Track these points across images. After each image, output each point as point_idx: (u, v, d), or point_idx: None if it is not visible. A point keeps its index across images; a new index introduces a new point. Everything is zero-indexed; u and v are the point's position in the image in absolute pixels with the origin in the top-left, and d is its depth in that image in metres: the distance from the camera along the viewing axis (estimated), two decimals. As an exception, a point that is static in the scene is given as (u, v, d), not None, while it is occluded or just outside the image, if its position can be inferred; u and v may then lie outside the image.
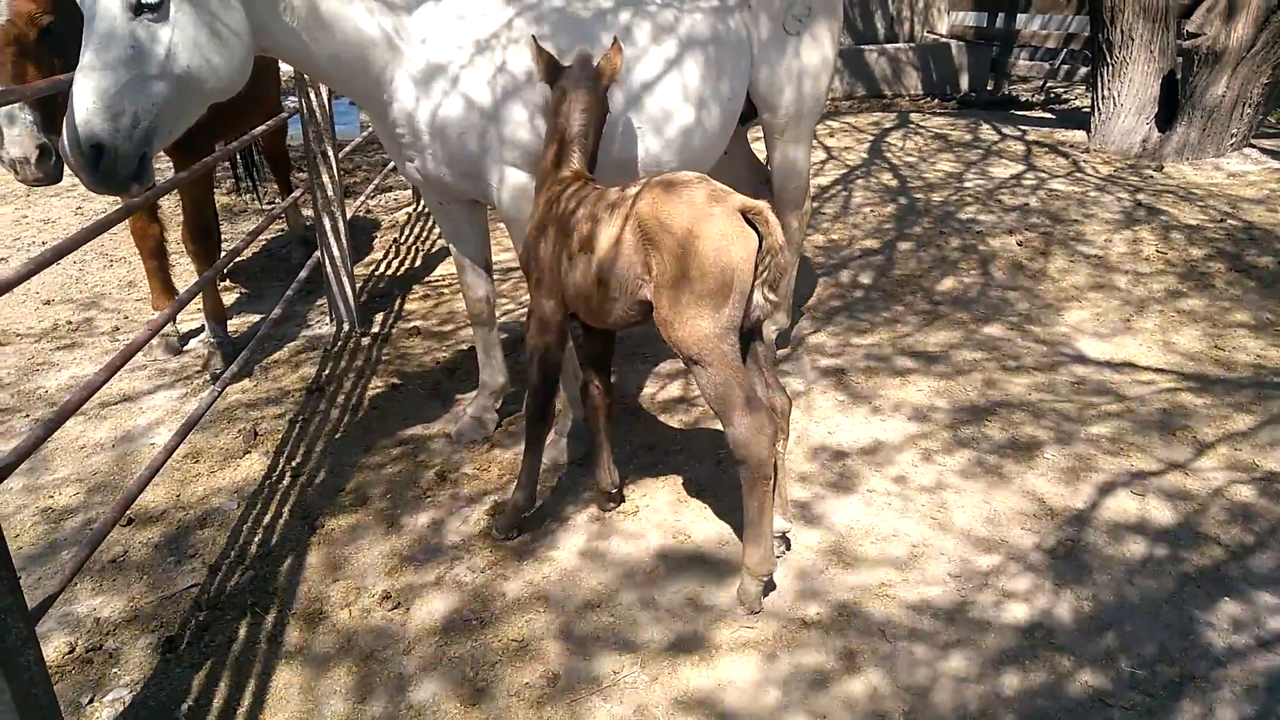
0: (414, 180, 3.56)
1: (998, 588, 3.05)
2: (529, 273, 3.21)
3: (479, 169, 3.41)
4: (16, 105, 3.61)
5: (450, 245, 3.87)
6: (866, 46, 12.61)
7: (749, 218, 2.76)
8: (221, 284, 6.11)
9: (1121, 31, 7.70)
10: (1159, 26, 7.64)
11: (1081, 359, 4.63)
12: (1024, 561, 3.17)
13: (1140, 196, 7.09)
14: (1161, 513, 3.42)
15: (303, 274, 5.04)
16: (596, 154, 3.20)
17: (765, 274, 2.80)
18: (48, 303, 5.86)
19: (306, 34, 3.01)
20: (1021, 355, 4.68)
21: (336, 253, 5.02)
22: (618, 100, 3.37)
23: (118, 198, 2.70)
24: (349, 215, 6.76)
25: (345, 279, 5.08)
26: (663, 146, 3.65)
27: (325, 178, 4.91)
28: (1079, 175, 7.74)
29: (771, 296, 2.87)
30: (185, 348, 5.03)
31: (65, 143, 2.55)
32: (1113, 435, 3.94)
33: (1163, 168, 7.70)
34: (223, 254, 4.67)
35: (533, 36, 3.17)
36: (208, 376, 4.65)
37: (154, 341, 4.93)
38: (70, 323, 5.50)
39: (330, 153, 4.89)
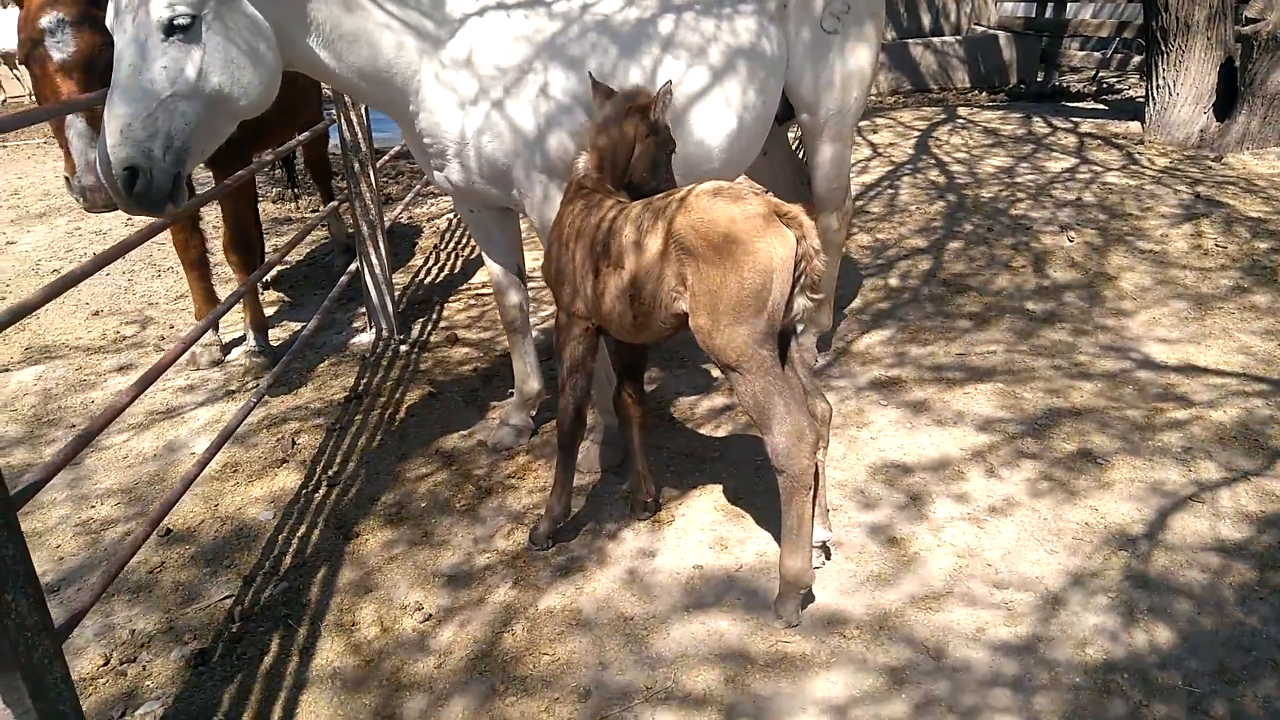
0: (443, 188, 3.52)
1: (1067, 616, 2.90)
2: (553, 285, 3.16)
3: (510, 177, 3.36)
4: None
5: (483, 252, 3.83)
6: (912, 40, 12.39)
7: (784, 221, 2.68)
8: (264, 293, 6.17)
9: (1177, 19, 7.43)
10: (1216, 13, 7.36)
11: (1147, 362, 4.43)
12: (1093, 584, 3.02)
13: (1200, 189, 6.82)
14: (1237, 528, 3.25)
15: (342, 280, 5.04)
16: (626, 176, 3.12)
17: (803, 277, 2.73)
18: (97, 314, 5.95)
19: (332, 50, 2.99)
20: (1084, 359, 4.50)
21: (375, 261, 5.02)
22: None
23: (154, 218, 2.68)
24: (389, 223, 6.79)
25: (384, 287, 5.07)
26: (700, 150, 3.58)
27: (363, 187, 4.90)
28: (1135, 168, 7.48)
29: (815, 297, 2.78)
30: (228, 358, 5.06)
31: (99, 166, 2.55)
32: (1184, 445, 3.75)
33: (1222, 158, 7.42)
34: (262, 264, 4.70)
35: (590, 74, 3.15)
36: (249, 386, 4.67)
37: (197, 352, 4.96)
38: (119, 334, 5.57)
39: (368, 162, 4.88)
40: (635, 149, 3.09)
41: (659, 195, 2.88)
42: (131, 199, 2.56)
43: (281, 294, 6.18)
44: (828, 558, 3.20)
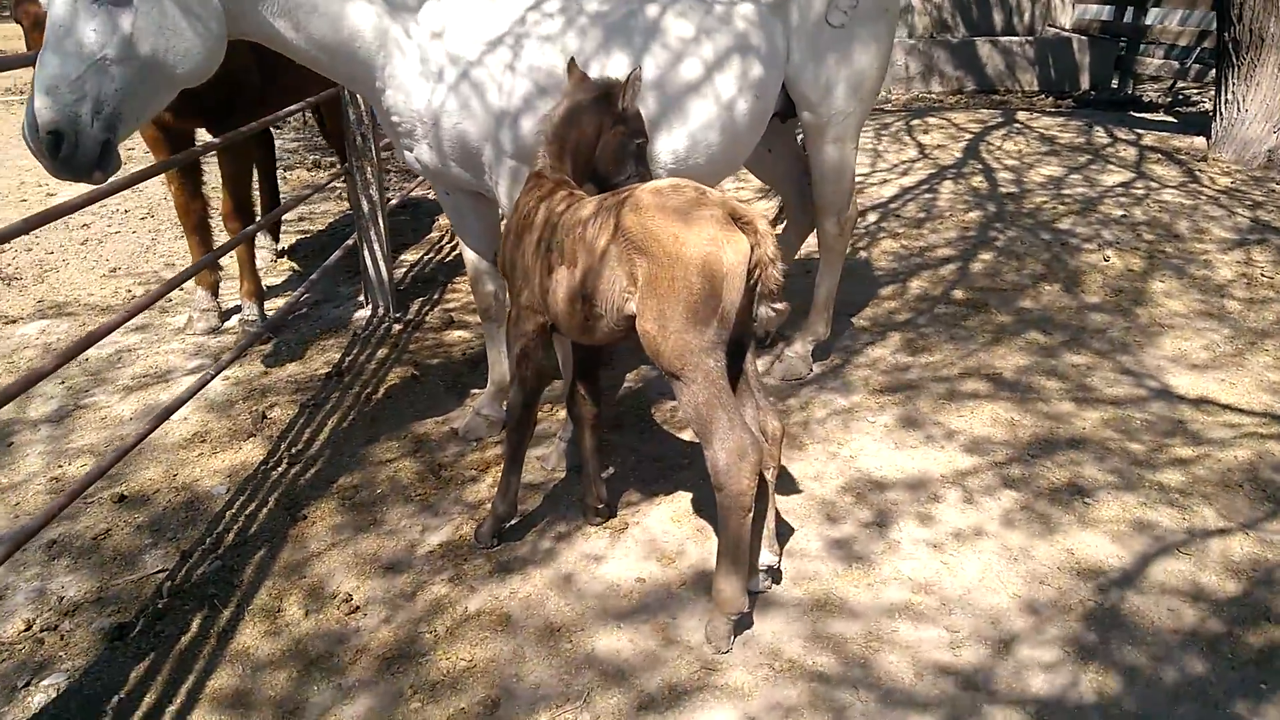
0: (414, 169, 3.43)
1: (1017, 656, 2.71)
2: (507, 276, 3.04)
3: (479, 160, 3.25)
4: None
5: (459, 238, 3.73)
6: (980, 38, 11.96)
7: (739, 225, 2.53)
8: (277, 261, 6.17)
9: (1250, 30, 6.99)
10: (1296, 25, 6.91)
11: (1163, 393, 4.16)
12: (1053, 628, 2.81)
13: (1260, 213, 6.43)
14: (1219, 580, 3.00)
15: (336, 255, 4.99)
16: (590, 169, 2.98)
17: (759, 285, 2.57)
18: (114, 271, 6.02)
19: (289, 20, 2.90)
20: (1098, 386, 4.24)
21: (375, 237, 4.96)
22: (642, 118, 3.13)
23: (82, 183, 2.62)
24: (402, 198, 6.75)
25: (383, 264, 5.01)
26: (688, 146, 3.43)
27: (364, 161, 4.84)
28: (1194, 186, 7.09)
29: (777, 307, 2.62)
30: (225, 325, 5.06)
31: (25, 128, 2.50)
32: (1181, 485, 3.50)
33: (1291, 182, 6.98)
34: (280, 232, 4.66)
35: (571, 58, 3.02)
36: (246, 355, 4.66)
37: (194, 317, 4.97)
38: (130, 293, 5.62)
39: (370, 136, 4.82)
40: (600, 140, 2.95)
41: (614, 190, 2.74)
42: (57, 163, 2.50)
43: (294, 264, 6.18)
44: (775, 582, 3.05)
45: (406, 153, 3.35)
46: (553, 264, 2.79)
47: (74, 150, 2.50)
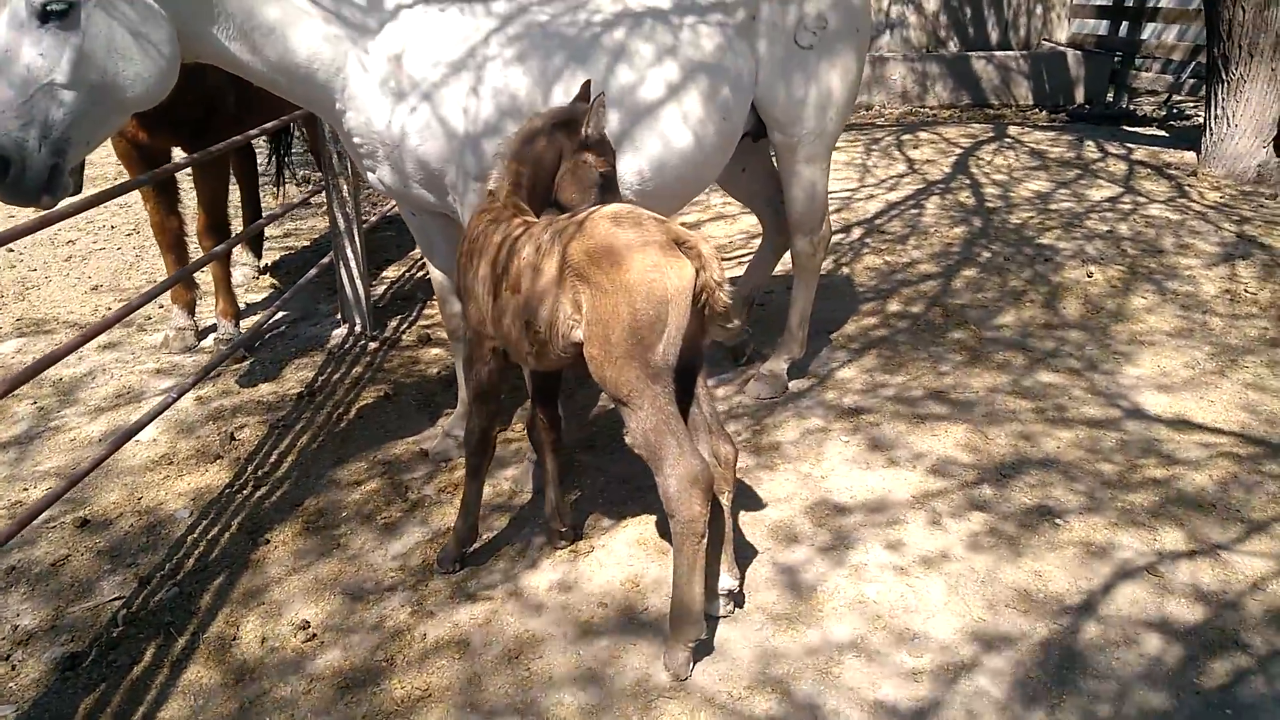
0: (378, 190, 3.41)
1: (969, 688, 2.67)
2: (461, 300, 3.02)
3: (442, 182, 3.24)
4: None
5: (425, 259, 3.71)
6: (975, 53, 11.96)
7: (683, 250, 2.51)
8: (259, 278, 6.16)
9: (1240, 45, 6.97)
10: (1283, 40, 6.89)
11: (1138, 413, 4.12)
12: (1010, 658, 2.77)
13: (1247, 228, 6.40)
14: (1185, 606, 2.96)
15: (311, 272, 4.98)
16: (550, 195, 2.96)
17: (707, 309, 2.56)
18: (96, 288, 6.01)
19: (245, 43, 2.88)
20: (1070, 405, 4.20)
21: (350, 255, 4.95)
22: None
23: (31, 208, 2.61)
24: (384, 215, 6.75)
25: (359, 281, 5.00)
26: (653, 168, 3.41)
27: (340, 179, 4.83)
28: (1182, 201, 7.06)
29: (728, 328, 2.61)
30: (201, 345, 5.04)
31: None
32: (1152, 506, 3.46)
33: (1277, 196, 6.95)
34: (268, 255, 4.65)
35: (588, 81, 2.99)
36: (215, 375, 4.64)
37: (170, 336, 4.96)
38: (111, 310, 5.61)
39: (345, 151, 4.80)
40: (560, 167, 2.93)
41: (563, 216, 2.71)
42: (4, 188, 2.49)
43: (276, 281, 6.16)
44: (738, 606, 3.01)
45: (370, 174, 3.33)
46: (500, 289, 2.77)
47: (21, 175, 2.49)
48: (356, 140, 3.21)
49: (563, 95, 3.24)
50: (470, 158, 3.17)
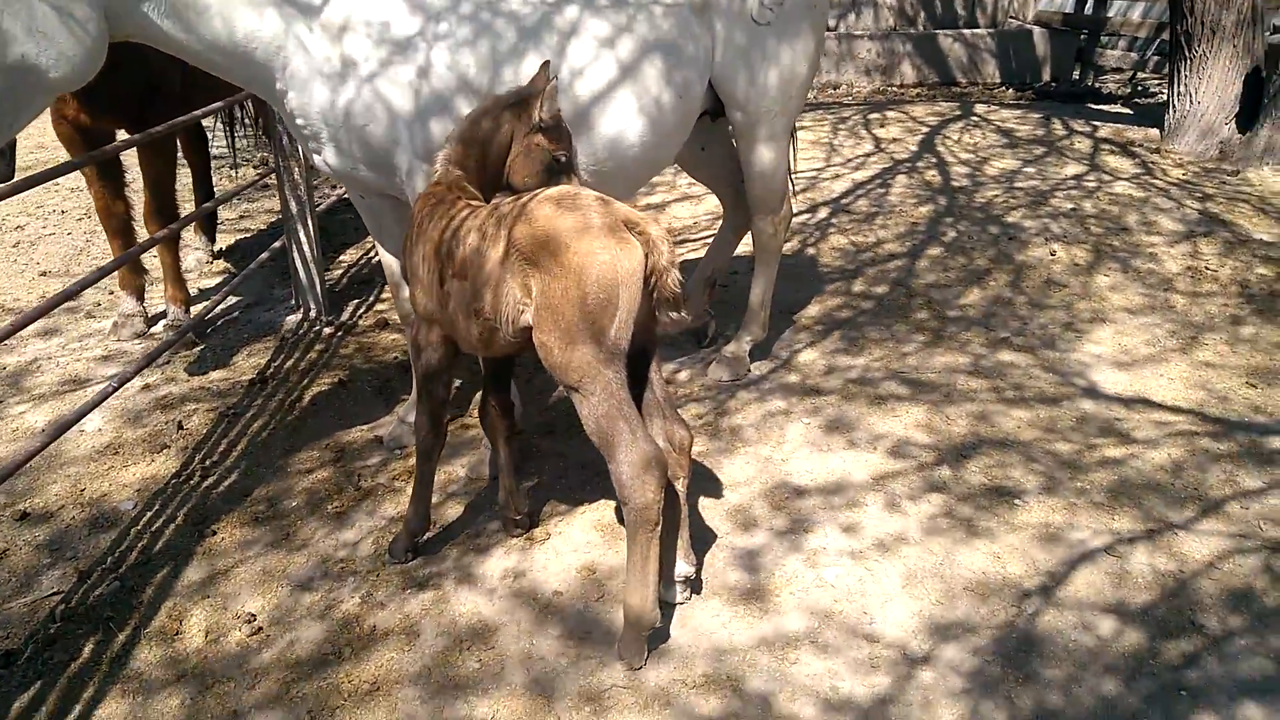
0: (324, 172, 3.31)
1: (926, 676, 2.64)
2: (409, 285, 2.94)
3: (389, 163, 3.15)
4: None
5: (375, 243, 3.62)
6: (942, 31, 11.93)
7: (631, 232, 2.45)
8: (212, 263, 6.03)
9: (1203, 23, 6.96)
10: (1245, 19, 6.88)
11: (1095, 391, 4.11)
12: (967, 644, 2.75)
13: (1210, 205, 6.41)
14: (1142, 587, 2.95)
15: (262, 255, 4.86)
16: (500, 178, 2.88)
17: (657, 293, 2.50)
18: (44, 274, 5.85)
19: (177, 21, 2.76)
20: (1027, 384, 4.19)
21: (304, 238, 4.84)
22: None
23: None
24: (340, 197, 6.61)
25: (313, 265, 4.89)
26: (607, 148, 3.34)
27: (291, 161, 4.72)
28: (1146, 178, 7.06)
29: (675, 316, 2.55)
30: (151, 331, 4.92)
31: None
32: (1109, 486, 3.46)
33: (1241, 172, 6.97)
34: (222, 238, 4.51)
35: (546, 62, 2.87)
36: (162, 363, 4.53)
37: (119, 323, 4.83)
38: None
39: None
40: (512, 149, 2.85)
41: (507, 200, 2.64)
42: (-80, 174, 2.38)
43: (230, 265, 6.03)
44: (695, 592, 2.97)
45: (315, 156, 3.24)
46: (445, 275, 2.70)
47: (-63, 160, 2.38)
48: (299, 121, 3.11)
49: (513, 75, 3.15)
50: (418, 139, 3.08)
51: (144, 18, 2.71)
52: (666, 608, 2.86)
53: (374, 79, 3.01)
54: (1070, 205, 6.51)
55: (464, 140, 2.83)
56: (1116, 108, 9.67)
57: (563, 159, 2.84)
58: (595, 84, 3.26)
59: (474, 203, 2.75)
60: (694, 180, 7.33)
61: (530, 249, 2.45)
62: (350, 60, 2.99)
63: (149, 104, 4.29)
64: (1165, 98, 7.92)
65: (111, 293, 5.46)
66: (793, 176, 4.26)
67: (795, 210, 6.40)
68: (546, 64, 2.85)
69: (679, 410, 2.81)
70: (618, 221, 2.44)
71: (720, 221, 4.73)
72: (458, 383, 4.25)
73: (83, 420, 3.96)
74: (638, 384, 2.65)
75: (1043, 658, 2.69)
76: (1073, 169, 7.37)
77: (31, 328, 4.95)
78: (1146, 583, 2.97)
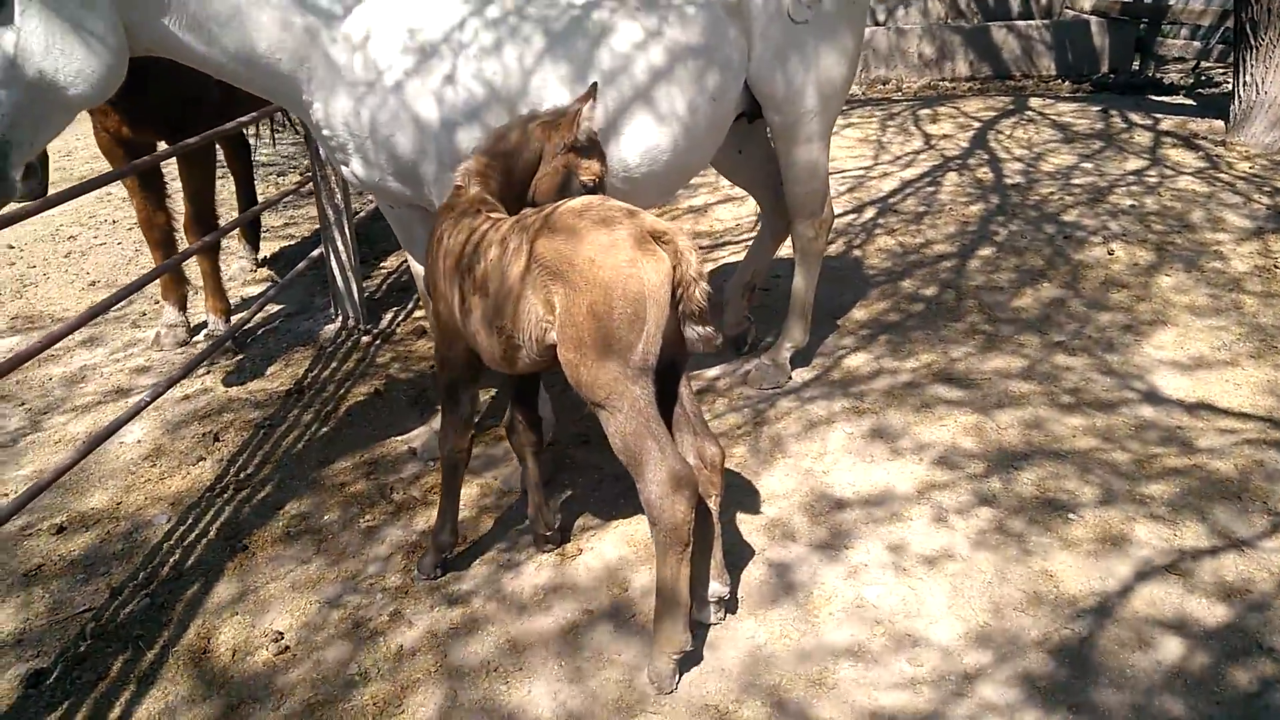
0: (352, 183, 3.27)
1: (977, 698, 2.51)
2: (432, 298, 2.88)
3: (416, 173, 3.09)
4: None
5: (406, 253, 3.58)
6: (995, 23, 11.61)
7: (658, 243, 2.35)
8: (256, 270, 6.06)
9: (1269, 9, 6.65)
10: (1315, 2, 6.57)
11: (1157, 397, 3.91)
12: (1017, 666, 2.60)
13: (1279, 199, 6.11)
14: (1206, 607, 2.78)
15: (301, 265, 4.86)
16: (525, 195, 2.80)
17: (684, 305, 2.40)
18: (93, 283, 5.94)
19: (199, 33, 2.73)
20: (1083, 390, 4.00)
21: (341, 247, 4.82)
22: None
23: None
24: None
25: (351, 273, 4.87)
26: (640, 155, 3.25)
27: (329, 169, 4.70)
28: (1211, 173, 6.76)
29: (701, 330, 2.45)
30: (193, 340, 4.94)
31: None
32: (1170, 498, 3.27)
33: (1312, 166, 6.64)
34: (266, 246, 4.52)
35: (594, 84, 2.77)
36: (201, 372, 4.54)
37: (161, 333, 4.87)
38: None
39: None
40: (540, 168, 2.77)
41: (530, 212, 2.55)
42: (-59, 193, 2.37)
43: (274, 274, 6.05)
44: (730, 612, 2.87)
45: (343, 167, 3.19)
46: (466, 291, 2.62)
47: (-43, 179, 2.37)
48: (325, 133, 3.07)
49: (541, 83, 3.08)
50: (445, 149, 3.02)
51: (164, 31, 2.68)
52: (700, 628, 2.76)
53: (399, 88, 2.95)
54: (1130, 202, 6.25)
55: (489, 152, 2.76)
56: (1179, 99, 9.32)
57: (591, 185, 2.75)
58: (626, 89, 3.17)
59: (495, 215, 2.67)
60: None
61: (553, 262, 2.36)
62: (375, 70, 2.94)
63: (188, 116, 4.30)
64: (1230, 88, 7.59)
65: (157, 302, 5.51)
66: (834, 175, 4.12)
67: (840, 210, 6.25)
68: (595, 85, 2.74)
69: (710, 425, 2.70)
70: (644, 232, 2.34)
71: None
72: (493, 392, 4.19)
73: (124, 431, 3.99)
74: (667, 399, 2.55)
75: (1098, 681, 2.54)
76: (1133, 164, 7.09)
77: (77, 337, 5.02)
78: (1212, 602, 2.79)
